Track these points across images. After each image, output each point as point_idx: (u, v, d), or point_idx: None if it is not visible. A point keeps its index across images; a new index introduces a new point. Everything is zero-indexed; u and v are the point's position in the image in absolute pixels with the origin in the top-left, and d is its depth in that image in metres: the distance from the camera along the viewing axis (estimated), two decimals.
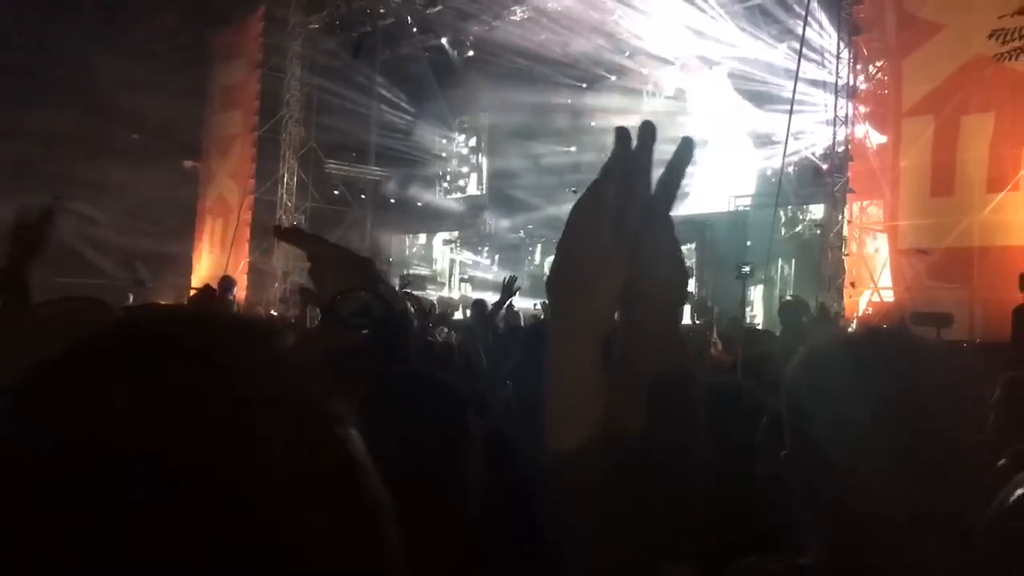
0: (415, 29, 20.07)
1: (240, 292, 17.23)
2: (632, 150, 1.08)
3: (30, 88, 18.42)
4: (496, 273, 20.10)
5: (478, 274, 20.55)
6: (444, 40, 20.30)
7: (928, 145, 11.60)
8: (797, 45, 13.28)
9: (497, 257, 20.43)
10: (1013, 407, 3.78)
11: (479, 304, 9.62)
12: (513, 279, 6.49)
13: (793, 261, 15.30)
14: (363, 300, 1.55)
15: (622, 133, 1.09)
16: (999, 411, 3.83)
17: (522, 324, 9.71)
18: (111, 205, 19.06)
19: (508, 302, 6.49)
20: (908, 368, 1.24)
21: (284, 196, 20.75)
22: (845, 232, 12.71)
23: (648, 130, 1.08)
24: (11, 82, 18.05)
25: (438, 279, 21.36)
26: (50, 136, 18.47)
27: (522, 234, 20.17)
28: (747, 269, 12.70)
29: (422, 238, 22.99)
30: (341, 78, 20.70)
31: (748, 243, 15.75)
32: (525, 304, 13.70)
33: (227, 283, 9.78)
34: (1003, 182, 10.83)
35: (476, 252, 20.90)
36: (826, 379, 1.26)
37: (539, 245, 19.58)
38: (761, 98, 16.00)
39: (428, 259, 22.53)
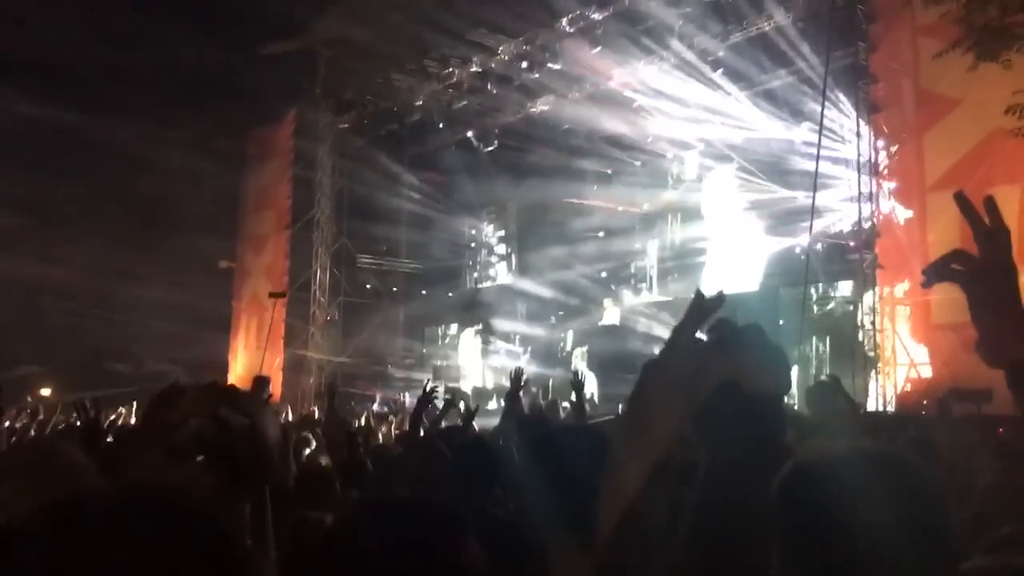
0: (441, 124, 20.53)
1: (276, 388, 17.31)
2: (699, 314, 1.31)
3: (68, 182, 19.02)
4: (527, 362, 20.04)
5: (510, 363, 20.48)
6: (470, 133, 20.74)
7: (955, 219, 11.20)
8: (817, 125, 13.37)
9: (530, 348, 20.37)
10: None
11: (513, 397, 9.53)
12: (520, 371, 6.36)
13: (827, 339, 15.08)
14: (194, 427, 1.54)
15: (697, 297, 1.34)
16: None
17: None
18: (151, 307, 19.55)
19: (518, 394, 6.35)
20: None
21: (317, 292, 21.04)
22: (877, 308, 12.53)
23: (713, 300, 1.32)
24: (56, 182, 18.68)
25: (466, 370, 21.31)
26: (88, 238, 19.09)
27: (554, 321, 20.15)
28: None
29: (453, 328, 23.06)
30: (371, 175, 21.16)
31: (780, 322, 15.59)
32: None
33: (261, 383, 9.79)
34: None
35: (507, 341, 20.88)
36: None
37: (569, 332, 19.51)
38: (784, 178, 16.04)
39: (458, 349, 22.54)
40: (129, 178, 19.56)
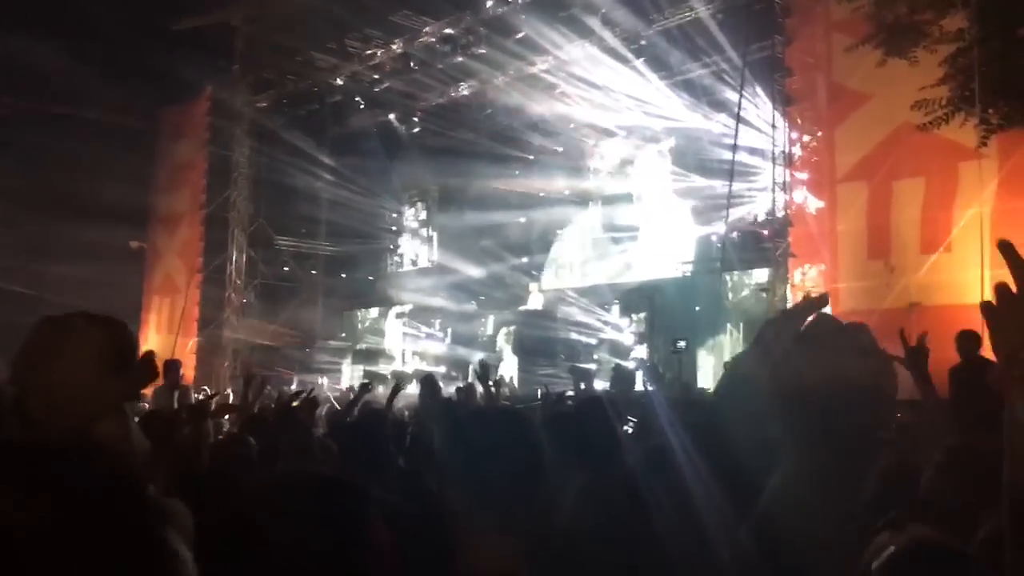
0: (362, 105, 20.28)
1: (188, 372, 16.93)
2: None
3: None
4: (449, 346, 20.03)
5: (430, 347, 20.45)
6: (392, 115, 20.55)
7: (863, 210, 11.93)
8: (734, 116, 13.67)
9: (449, 330, 20.37)
10: (952, 474, 3.83)
11: (429, 380, 9.51)
12: (485, 364, 6.42)
13: (741, 325, 15.48)
14: None
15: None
16: (938, 475, 3.88)
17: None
18: (57, 285, 18.82)
19: (488, 383, 6.37)
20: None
21: (233, 274, 20.60)
22: (789, 296, 12.90)
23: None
24: None
25: (389, 353, 21.19)
26: None
27: (475, 305, 20.17)
28: (682, 344, 13.02)
29: (374, 312, 22.88)
30: (289, 155, 20.76)
31: (697, 308, 15.95)
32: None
33: (172, 366, 9.58)
34: (936, 243, 11.14)
35: (428, 325, 20.83)
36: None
37: (491, 317, 19.56)
38: (702, 167, 16.36)
39: (380, 333, 22.38)
40: (38, 156, 18.78)
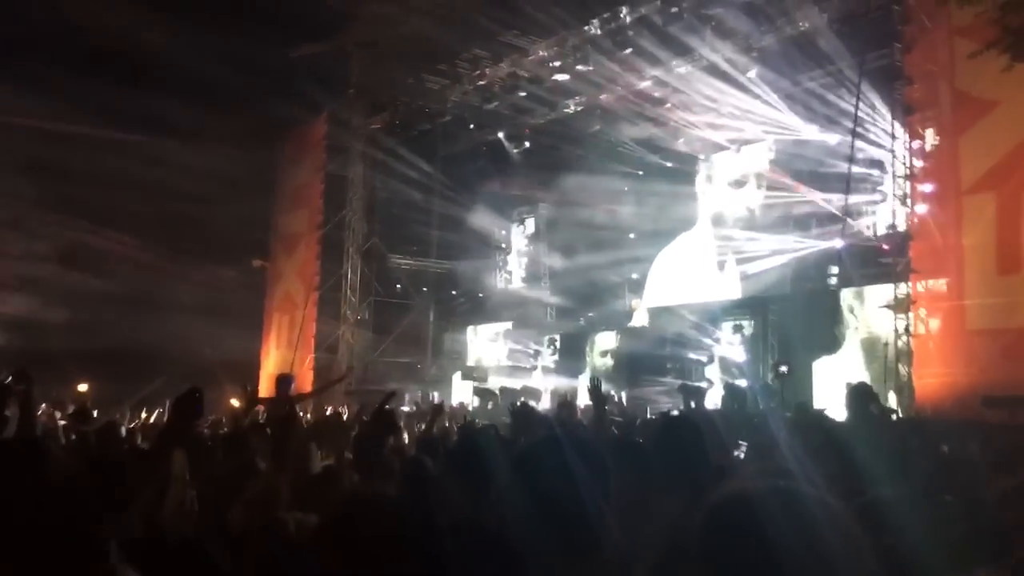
0: (472, 125, 20.60)
1: (306, 387, 17.43)
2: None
3: (105, 185, 19.26)
4: (557, 362, 20.04)
5: (541, 363, 20.51)
6: (501, 134, 20.79)
7: (992, 222, 11.35)
8: (851, 126, 13.24)
9: (558, 349, 20.38)
10: None
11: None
12: (597, 382, 6.32)
13: (860, 343, 14.91)
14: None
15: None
16: None
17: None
18: (184, 303, 19.83)
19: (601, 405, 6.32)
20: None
21: (348, 292, 21.19)
22: (911, 312, 12.38)
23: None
24: (87, 177, 18.95)
25: (497, 369, 21.36)
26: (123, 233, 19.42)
27: (582, 322, 20.12)
28: (784, 369, 12.71)
29: (483, 328, 23.12)
30: (402, 175, 21.27)
31: (812, 325, 15.46)
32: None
33: (284, 381, 9.92)
34: None
35: (536, 341, 20.90)
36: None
37: (597, 334, 19.46)
38: (819, 179, 15.89)
39: (488, 349, 22.58)
40: (168, 180, 19.81)
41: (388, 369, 21.03)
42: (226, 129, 19.99)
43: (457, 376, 21.57)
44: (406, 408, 17.70)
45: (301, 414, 10.07)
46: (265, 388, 18.02)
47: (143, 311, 19.21)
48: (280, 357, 21.25)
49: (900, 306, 12.61)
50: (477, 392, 19.55)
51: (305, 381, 18.98)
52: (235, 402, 13.61)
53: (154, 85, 18.54)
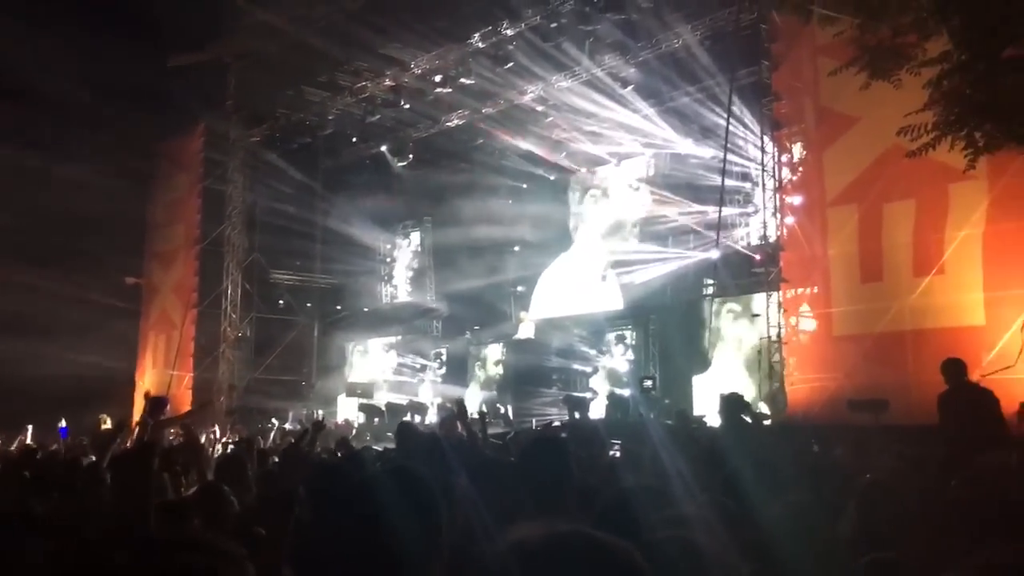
0: (355, 138, 20.32)
1: (184, 408, 16.78)
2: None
3: None
4: (444, 376, 19.97)
5: (428, 377, 20.38)
6: (384, 147, 20.59)
7: (854, 233, 11.91)
8: (723, 141, 13.66)
9: (445, 363, 20.30)
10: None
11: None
12: (462, 402, 6.37)
13: (734, 350, 15.39)
14: None
15: None
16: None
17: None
18: (54, 324, 18.81)
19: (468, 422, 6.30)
20: None
21: (228, 309, 20.57)
22: (782, 321, 12.84)
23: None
24: None
25: (383, 385, 21.13)
26: None
27: (469, 335, 20.09)
28: (649, 383, 13.27)
29: (369, 343, 22.80)
30: (284, 189, 20.79)
31: (690, 334, 15.88)
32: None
33: (156, 404, 9.22)
34: (928, 266, 11.10)
35: (424, 355, 20.76)
36: None
37: (484, 347, 19.48)
38: (695, 192, 16.34)
39: (374, 364, 22.29)
40: (35, 195, 18.79)
41: (270, 387, 20.48)
42: (98, 141, 19.15)
43: (343, 394, 21.24)
44: (288, 426, 17.29)
45: (170, 438, 9.63)
46: (140, 410, 17.27)
47: (11, 333, 18.13)
48: (157, 377, 20.44)
49: (771, 315, 13.05)
50: (363, 408, 19.27)
51: (183, 401, 18.31)
52: (106, 424, 13.04)
53: (21, 96, 17.64)
